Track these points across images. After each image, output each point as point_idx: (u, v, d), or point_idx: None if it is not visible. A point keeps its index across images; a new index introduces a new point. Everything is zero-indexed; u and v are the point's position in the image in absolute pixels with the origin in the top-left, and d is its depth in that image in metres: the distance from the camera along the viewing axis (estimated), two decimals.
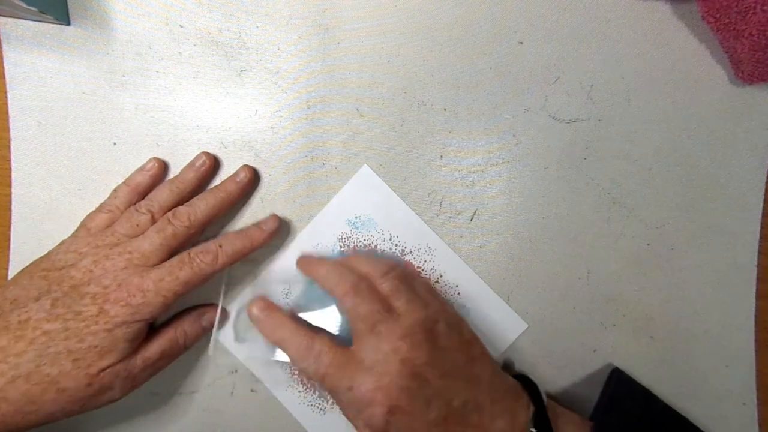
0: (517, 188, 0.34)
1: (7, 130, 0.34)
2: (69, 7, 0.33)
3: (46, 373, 0.26)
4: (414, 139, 0.34)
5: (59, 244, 0.30)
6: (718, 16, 0.30)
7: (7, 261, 0.34)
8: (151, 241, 0.29)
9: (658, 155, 0.34)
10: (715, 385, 0.34)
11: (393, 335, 0.27)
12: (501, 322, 0.34)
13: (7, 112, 0.34)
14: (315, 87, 0.34)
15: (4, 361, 0.26)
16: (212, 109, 0.34)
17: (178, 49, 0.34)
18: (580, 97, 0.34)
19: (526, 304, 0.34)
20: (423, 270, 0.34)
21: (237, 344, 0.34)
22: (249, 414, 0.35)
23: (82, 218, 0.32)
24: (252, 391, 0.35)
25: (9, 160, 0.34)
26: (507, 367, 0.35)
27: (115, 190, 0.33)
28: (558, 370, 0.35)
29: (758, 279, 0.34)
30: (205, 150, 0.34)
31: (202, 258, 0.30)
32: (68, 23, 0.33)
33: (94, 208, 0.32)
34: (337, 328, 0.34)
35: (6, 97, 0.34)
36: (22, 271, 0.30)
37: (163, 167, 0.34)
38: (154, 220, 0.31)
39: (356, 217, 0.34)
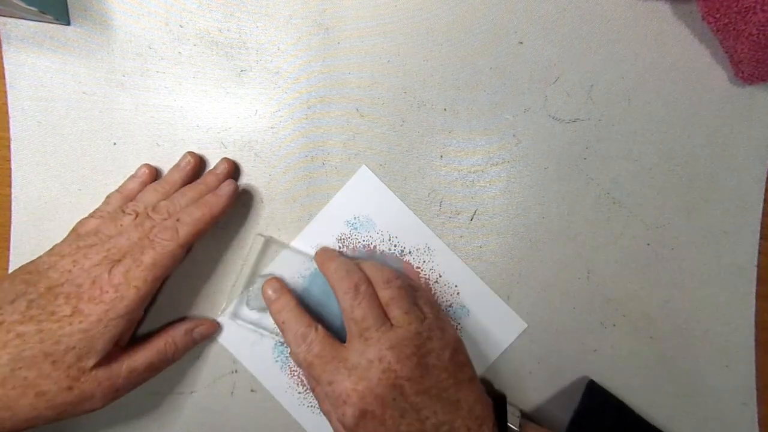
0: (517, 188, 0.34)
1: (7, 130, 0.34)
2: (69, 7, 0.33)
3: (24, 376, 0.26)
4: (414, 139, 0.34)
5: (49, 249, 0.30)
6: (718, 16, 0.30)
7: (7, 261, 0.34)
8: (129, 236, 0.29)
9: (658, 155, 0.34)
10: (715, 385, 0.34)
11: (382, 344, 0.28)
12: (501, 321, 0.34)
13: (7, 112, 0.34)
14: (315, 87, 0.34)
15: None
16: (212, 109, 0.34)
17: (178, 49, 0.34)
18: (580, 97, 0.34)
19: (526, 304, 0.34)
20: (422, 270, 0.34)
21: (242, 308, 0.34)
22: (249, 414, 0.35)
23: (82, 219, 0.32)
24: (252, 391, 0.35)
25: (9, 160, 0.34)
26: (486, 384, 0.35)
27: (108, 197, 0.33)
28: (557, 370, 0.35)
29: (758, 279, 0.34)
30: (205, 150, 0.34)
31: (161, 236, 0.29)
32: (68, 23, 0.33)
33: (93, 209, 0.32)
34: (333, 324, 0.34)
35: (6, 97, 0.34)
36: (7, 275, 0.29)
37: (154, 173, 0.34)
38: None
39: (355, 218, 0.34)
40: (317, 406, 0.35)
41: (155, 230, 0.29)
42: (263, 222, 0.34)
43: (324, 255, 0.33)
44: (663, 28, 0.33)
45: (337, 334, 0.30)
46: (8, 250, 0.34)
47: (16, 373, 0.26)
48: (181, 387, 0.35)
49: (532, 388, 0.35)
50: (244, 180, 0.34)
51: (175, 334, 0.32)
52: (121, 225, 0.30)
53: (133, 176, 0.33)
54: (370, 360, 0.27)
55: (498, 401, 0.31)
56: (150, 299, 0.30)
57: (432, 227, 0.34)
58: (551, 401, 0.35)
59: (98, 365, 0.28)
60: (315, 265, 0.34)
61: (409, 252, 0.34)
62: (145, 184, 0.33)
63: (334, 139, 0.34)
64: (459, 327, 0.34)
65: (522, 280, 0.34)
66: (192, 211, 0.30)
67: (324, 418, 0.34)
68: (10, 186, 0.34)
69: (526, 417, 0.33)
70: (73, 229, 0.31)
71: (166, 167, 0.34)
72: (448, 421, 0.27)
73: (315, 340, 0.29)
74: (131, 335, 0.32)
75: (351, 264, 0.31)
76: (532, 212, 0.34)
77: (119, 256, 0.28)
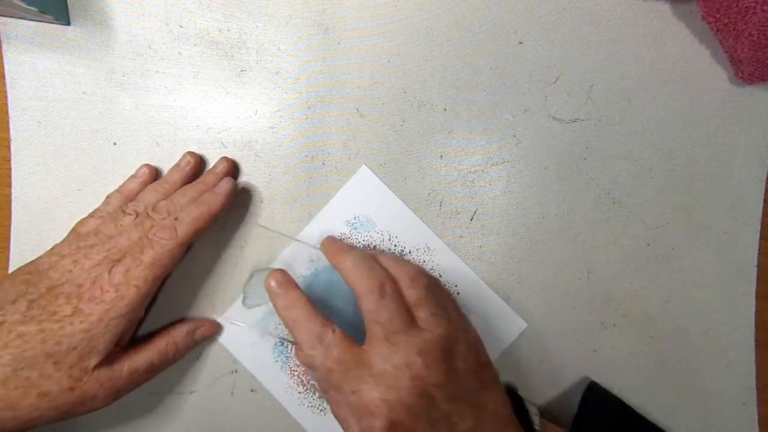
0: (517, 188, 0.34)
1: (7, 130, 0.34)
2: (69, 7, 0.33)
3: (26, 376, 0.26)
4: (414, 139, 0.34)
5: (49, 249, 0.30)
6: (718, 16, 0.30)
7: (7, 261, 0.34)
8: (129, 236, 0.29)
9: (658, 155, 0.34)
10: (715, 385, 0.34)
11: (410, 348, 0.26)
12: (501, 321, 0.34)
13: (7, 112, 0.34)
14: (315, 87, 0.34)
15: None
16: (212, 109, 0.34)
17: (178, 49, 0.34)
18: (580, 97, 0.34)
19: (525, 304, 0.34)
20: None
21: (244, 308, 0.33)
22: (249, 414, 0.35)
23: (81, 219, 0.32)
24: (252, 391, 0.35)
25: (9, 160, 0.34)
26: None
27: (108, 197, 0.33)
28: (557, 370, 0.35)
29: (758, 279, 0.34)
30: (205, 150, 0.34)
31: (160, 235, 0.29)
32: (68, 23, 0.33)
33: (93, 209, 0.32)
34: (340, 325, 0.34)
35: (6, 97, 0.34)
36: (7, 275, 0.29)
37: (155, 173, 0.34)
38: None
39: (355, 218, 0.34)
40: (317, 406, 0.35)
41: (154, 229, 0.29)
42: (263, 222, 0.34)
43: (335, 247, 0.31)
44: (663, 28, 0.33)
45: (365, 331, 0.28)
46: (8, 250, 0.34)
47: (18, 374, 0.26)
48: (181, 387, 0.35)
49: (532, 388, 0.35)
50: (244, 180, 0.34)
51: (177, 335, 0.32)
52: (121, 225, 0.30)
53: (133, 176, 0.33)
54: (398, 366, 0.25)
55: (514, 401, 0.30)
56: (150, 298, 0.30)
57: (432, 227, 0.34)
58: (551, 401, 0.35)
59: (100, 365, 0.28)
60: (315, 265, 0.34)
61: (409, 252, 0.34)
62: (145, 184, 0.33)
63: (334, 139, 0.34)
64: None
65: (522, 280, 0.34)
66: (191, 210, 0.30)
67: (324, 418, 0.34)
68: (10, 186, 0.34)
69: (545, 412, 0.33)
70: (73, 229, 0.31)
71: (166, 167, 0.34)
72: (478, 426, 0.26)
73: (333, 342, 0.27)
74: (132, 335, 0.32)
75: (370, 259, 0.29)
76: (532, 212, 0.34)
77: (119, 255, 0.28)
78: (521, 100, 0.34)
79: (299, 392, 0.35)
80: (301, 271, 0.34)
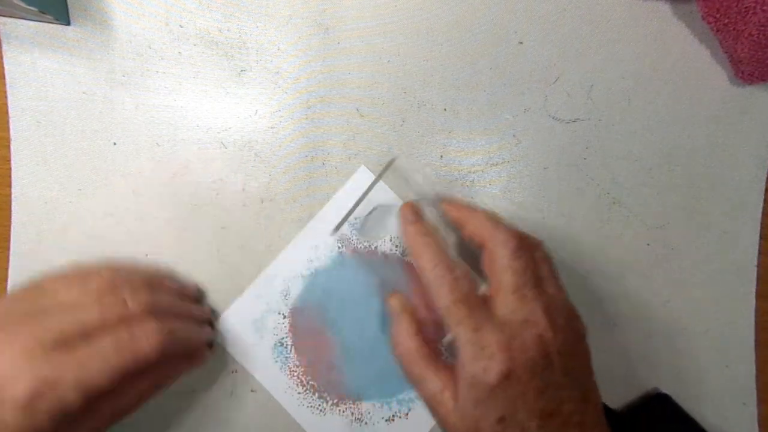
0: (517, 188, 0.34)
1: (7, 130, 0.34)
2: (69, 7, 0.33)
3: None
4: (414, 139, 0.34)
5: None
6: (718, 16, 0.30)
7: (7, 261, 0.34)
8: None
9: (658, 155, 0.34)
10: (715, 385, 0.34)
11: (537, 305, 0.24)
12: None
13: (7, 112, 0.34)
14: (315, 87, 0.34)
15: None
16: (212, 109, 0.34)
17: (178, 49, 0.34)
18: (580, 97, 0.34)
19: None
20: None
21: (242, 308, 0.33)
22: (249, 414, 0.35)
23: (82, 219, 0.32)
24: (252, 391, 0.35)
25: (9, 160, 0.34)
26: None
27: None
28: None
29: (758, 279, 0.34)
30: (205, 149, 0.34)
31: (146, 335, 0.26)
32: (68, 23, 0.33)
33: (93, 209, 0.32)
34: (338, 330, 0.34)
35: (6, 97, 0.34)
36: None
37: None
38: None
39: (355, 218, 0.34)
40: (317, 406, 0.35)
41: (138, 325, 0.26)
42: (263, 222, 0.34)
43: (457, 208, 0.30)
44: (663, 28, 0.33)
45: (366, 332, 0.28)
46: (8, 250, 0.34)
47: None
48: (181, 387, 0.35)
49: None
50: (244, 180, 0.34)
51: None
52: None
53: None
54: (524, 319, 0.24)
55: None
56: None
57: None
58: None
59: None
60: (315, 265, 0.34)
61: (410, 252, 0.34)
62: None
63: (334, 139, 0.34)
64: None
65: None
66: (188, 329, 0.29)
67: (323, 418, 0.34)
68: (10, 186, 0.34)
69: None
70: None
71: (166, 167, 0.34)
72: (580, 413, 0.24)
73: (462, 277, 0.26)
74: None
75: (497, 218, 0.28)
76: (532, 212, 0.34)
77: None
78: (521, 100, 0.34)
79: (299, 392, 0.35)
80: (300, 271, 0.34)
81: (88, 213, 0.34)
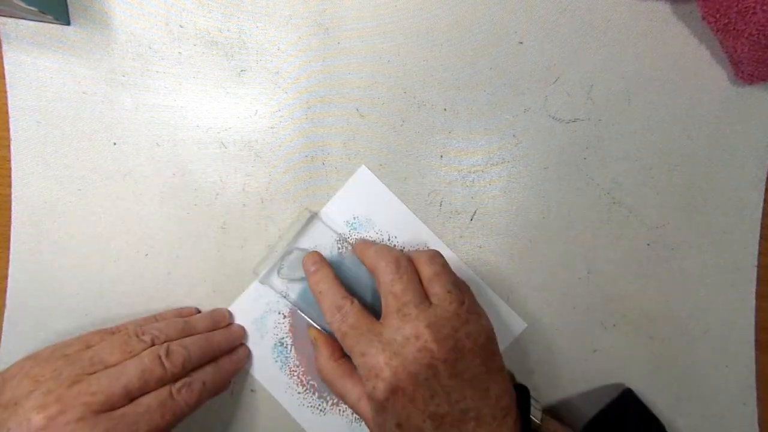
0: (517, 188, 0.34)
1: (7, 130, 0.34)
2: (69, 7, 0.33)
3: None
4: (414, 139, 0.34)
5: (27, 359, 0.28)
6: (718, 16, 0.30)
7: (7, 261, 0.34)
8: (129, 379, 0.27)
9: (658, 155, 0.34)
10: (715, 385, 0.34)
11: (420, 321, 0.27)
12: (501, 321, 0.34)
13: (7, 112, 0.34)
14: (315, 87, 0.34)
15: None
16: (212, 109, 0.34)
17: (178, 49, 0.34)
18: (580, 97, 0.34)
19: (525, 303, 0.34)
20: None
21: (278, 278, 0.35)
22: (249, 414, 0.35)
23: (82, 218, 0.32)
24: (252, 391, 0.35)
25: (9, 160, 0.34)
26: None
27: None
28: (557, 370, 0.35)
29: (758, 279, 0.34)
30: (205, 149, 0.34)
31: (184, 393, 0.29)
32: (68, 23, 0.33)
33: (93, 209, 0.32)
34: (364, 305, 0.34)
35: (6, 97, 0.34)
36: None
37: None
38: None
39: (355, 218, 0.34)
40: (317, 406, 0.35)
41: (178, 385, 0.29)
42: (263, 222, 0.34)
43: (362, 245, 0.33)
44: (663, 28, 0.33)
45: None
46: (8, 250, 0.34)
47: None
48: None
49: (532, 387, 0.35)
50: (244, 180, 0.34)
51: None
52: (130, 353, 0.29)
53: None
54: (407, 337, 0.26)
55: (520, 393, 0.30)
56: None
57: (432, 227, 0.34)
58: (551, 401, 0.35)
59: None
60: (345, 250, 0.34)
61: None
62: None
63: (334, 139, 0.34)
64: None
65: (522, 280, 0.34)
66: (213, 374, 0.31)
67: (323, 418, 0.34)
68: (10, 186, 0.34)
69: (546, 411, 0.33)
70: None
71: (166, 167, 0.34)
72: (476, 408, 0.27)
73: (350, 311, 0.29)
74: None
75: (389, 246, 0.32)
76: (532, 212, 0.34)
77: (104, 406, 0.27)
78: (521, 100, 0.34)
79: (299, 392, 0.35)
80: (301, 272, 0.34)
81: (88, 213, 0.34)
